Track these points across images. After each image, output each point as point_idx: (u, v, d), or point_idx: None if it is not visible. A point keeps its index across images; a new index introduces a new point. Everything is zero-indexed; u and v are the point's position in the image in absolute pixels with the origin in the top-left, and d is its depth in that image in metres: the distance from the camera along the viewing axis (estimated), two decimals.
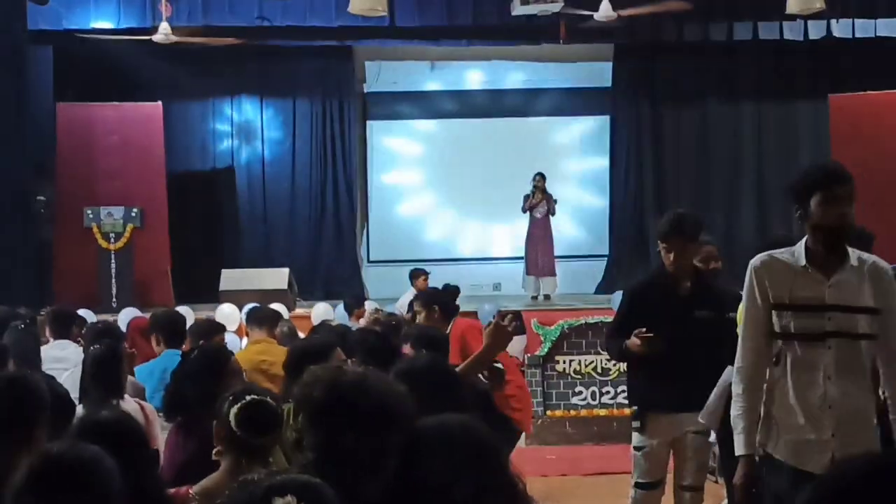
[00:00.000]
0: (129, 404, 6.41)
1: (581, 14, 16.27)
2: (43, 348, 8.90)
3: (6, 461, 4.03)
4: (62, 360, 8.29)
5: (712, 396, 6.88)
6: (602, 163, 20.71)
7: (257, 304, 12.92)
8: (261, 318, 9.90)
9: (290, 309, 15.60)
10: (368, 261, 20.67)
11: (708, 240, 7.75)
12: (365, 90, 20.82)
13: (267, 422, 4.53)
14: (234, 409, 4.55)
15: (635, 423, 7.28)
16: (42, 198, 17.46)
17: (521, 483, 3.50)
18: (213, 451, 4.64)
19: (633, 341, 7.00)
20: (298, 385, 3.68)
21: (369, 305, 14.43)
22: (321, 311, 15.28)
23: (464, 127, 20.90)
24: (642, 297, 7.39)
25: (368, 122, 21.01)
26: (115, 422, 4.02)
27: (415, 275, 16.53)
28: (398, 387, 3.63)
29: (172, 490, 4.19)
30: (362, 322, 12.42)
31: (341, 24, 17.33)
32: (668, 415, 7.21)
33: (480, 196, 20.47)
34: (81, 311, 11.80)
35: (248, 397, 4.61)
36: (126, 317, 13.71)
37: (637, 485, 7.30)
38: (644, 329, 6.96)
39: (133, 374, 7.73)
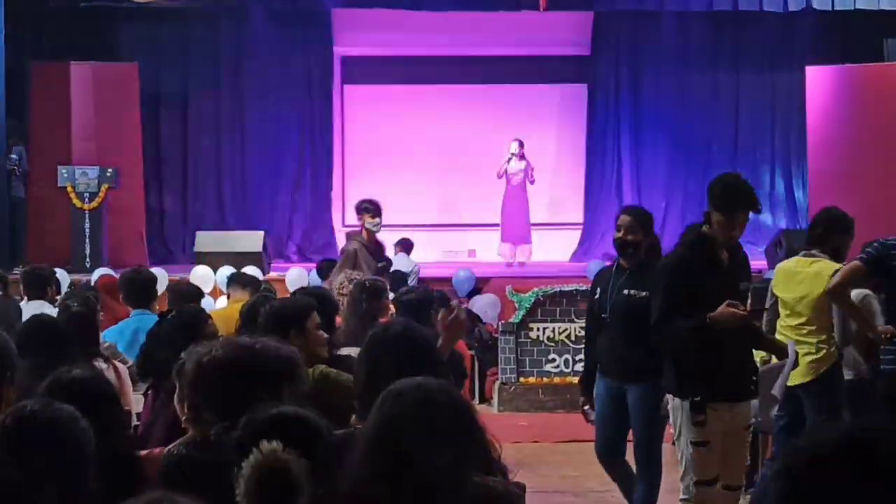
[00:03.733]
0: (98, 364, 6.38)
1: None
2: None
3: None
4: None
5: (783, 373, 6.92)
6: (580, 131, 20.70)
7: (232, 269, 12.90)
8: (244, 282, 10.05)
9: (264, 272, 15.58)
10: (343, 225, 20.62)
11: None
12: (342, 54, 20.72)
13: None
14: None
15: (698, 418, 6.57)
16: (14, 156, 17.34)
17: (496, 449, 3.51)
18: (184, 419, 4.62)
19: (728, 311, 6.39)
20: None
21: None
22: (295, 276, 15.27)
23: (442, 93, 20.83)
24: (688, 271, 6.68)
25: (345, 87, 20.91)
26: (87, 381, 4.00)
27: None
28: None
29: (144, 452, 4.18)
30: (335, 286, 12.40)
31: None
32: (729, 406, 6.69)
33: (456, 163, 20.42)
34: (56, 272, 11.74)
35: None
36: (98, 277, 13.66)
37: (699, 483, 6.72)
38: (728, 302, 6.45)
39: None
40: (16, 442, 3.04)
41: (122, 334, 8.36)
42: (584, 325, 8.89)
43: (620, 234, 7.54)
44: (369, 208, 13.16)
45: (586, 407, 7.88)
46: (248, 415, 3.39)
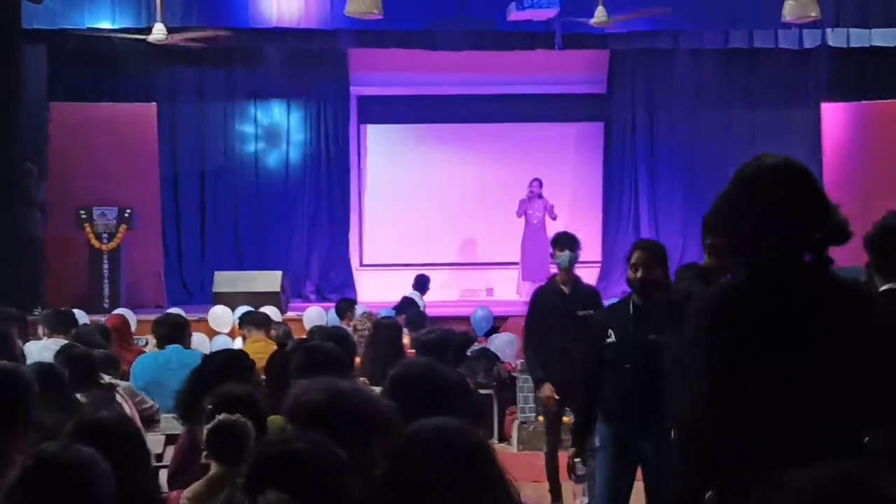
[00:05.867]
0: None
1: (576, 20, 16.28)
2: (36, 345, 8.92)
3: (4, 459, 4.03)
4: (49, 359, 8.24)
5: None
6: (596, 169, 20.72)
7: (251, 308, 12.91)
8: (258, 321, 10.09)
9: (282, 312, 15.59)
10: (361, 264, 20.63)
11: None
12: (359, 94, 20.78)
13: (234, 448, 4.47)
14: (206, 428, 4.52)
15: None
16: (29, 164, 17.33)
17: (515, 488, 3.49)
18: (203, 456, 4.63)
19: None
20: (291, 395, 3.67)
21: (359, 309, 14.41)
22: (313, 315, 15.26)
23: (458, 132, 20.87)
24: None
25: (362, 126, 20.97)
26: (111, 422, 4.01)
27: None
28: (386, 400, 3.64)
29: (165, 493, 4.18)
30: (352, 326, 12.44)
31: (336, 28, 17.31)
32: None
33: (474, 201, 20.45)
34: (74, 312, 11.78)
35: (219, 417, 4.55)
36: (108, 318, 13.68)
37: None
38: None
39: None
40: (36, 484, 3.04)
41: (156, 361, 8.52)
42: None
43: (638, 273, 6.87)
44: None
45: (577, 460, 7.10)
46: (257, 452, 3.38)
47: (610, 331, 6.95)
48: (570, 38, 17.12)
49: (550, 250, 9.82)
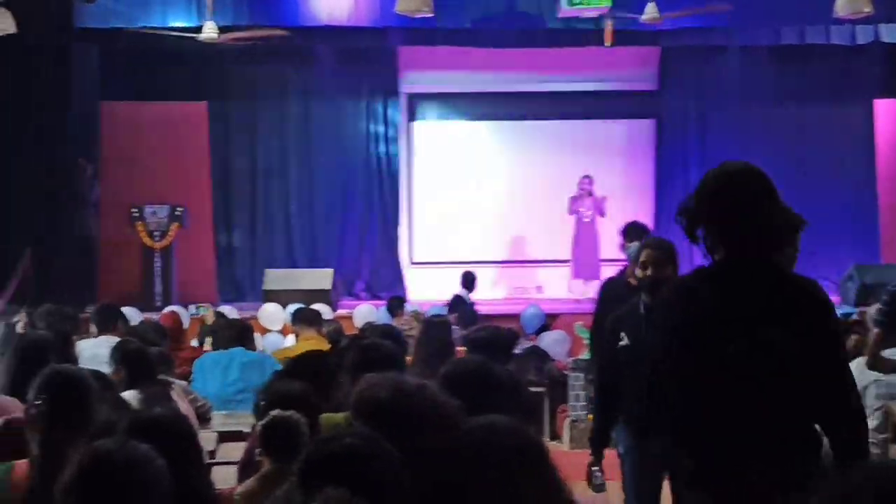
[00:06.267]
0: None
1: (627, 17, 16.23)
2: (86, 343, 8.97)
3: (58, 457, 4.08)
4: (100, 357, 8.29)
5: None
6: (647, 166, 20.65)
7: (302, 305, 12.93)
8: (310, 318, 10.11)
9: (333, 309, 15.62)
10: (412, 262, 20.64)
11: None
12: (409, 91, 20.79)
13: (287, 445, 4.48)
14: (259, 425, 4.55)
15: None
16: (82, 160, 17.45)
17: (567, 487, 3.48)
18: (256, 452, 4.65)
19: None
20: (356, 390, 3.68)
21: (409, 308, 14.43)
22: (364, 313, 15.29)
23: (508, 129, 20.85)
24: None
25: (412, 124, 20.97)
26: (166, 420, 4.04)
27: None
28: (450, 398, 3.63)
29: (219, 490, 4.20)
30: (403, 324, 12.45)
31: (386, 25, 17.33)
32: None
33: (524, 198, 20.41)
34: (127, 310, 11.85)
35: (272, 413, 4.57)
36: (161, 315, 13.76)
37: None
38: None
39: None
40: (92, 481, 3.06)
41: (219, 362, 8.75)
42: None
43: (650, 272, 6.59)
44: None
45: (595, 468, 6.74)
46: (311, 449, 3.40)
47: (622, 333, 6.70)
48: (620, 34, 17.05)
49: (620, 241, 9.68)
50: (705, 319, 4.14)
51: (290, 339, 12.92)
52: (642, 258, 6.67)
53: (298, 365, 6.01)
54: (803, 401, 4.10)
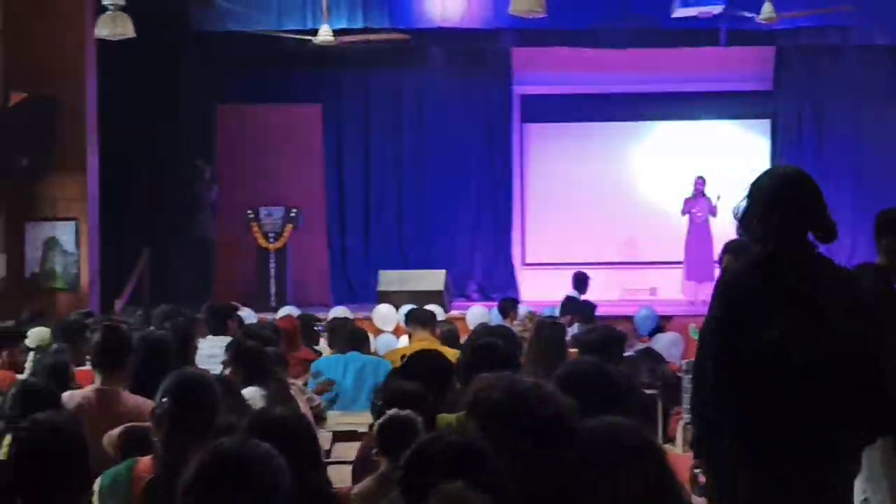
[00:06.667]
0: None
1: (742, 16, 16.08)
2: (203, 343, 9.09)
3: (180, 455, 4.15)
4: (216, 357, 8.41)
5: None
6: (762, 167, 20.39)
7: (415, 306, 12.98)
8: (424, 319, 10.13)
9: (445, 311, 15.65)
10: (524, 263, 20.63)
11: None
12: (521, 92, 20.78)
13: (403, 444, 4.50)
14: (376, 424, 4.58)
15: None
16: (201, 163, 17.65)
17: (685, 489, 3.47)
18: (373, 452, 4.68)
19: None
20: (471, 390, 3.69)
21: (522, 309, 14.39)
22: (477, 314, 15.29)
23: (621, 130, 20.76)
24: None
25: (525, 125, 20.96)
26: (287, 419, 4.09)
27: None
28: (566, 397, 3.63)
29: (336, 489, 4.24)
30: (516, 325, 12.42)
31: (498, 27, 17.35)
32: None
33: (637, 200, 20.32)
34: (242, 311, 11.99)
35: (388, 413, 4.60)
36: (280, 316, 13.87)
37: None
38: None
39: None
40: (214, 478, 3.10)
41: (337, 363, 8.97)
42: None
43: None
44: None
45: (698, 471, 6.20)
46: (415, 446, 3.42)
47: None
48: (735, 34, 16.90)
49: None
50: (754, 304, 4.48)
51: (404, 340, 12.97)
52: (723, 264, 7.03)
53: (413, 364, 6.04)
54: (846, 382, 4.38)
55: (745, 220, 4.73)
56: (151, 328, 8.85)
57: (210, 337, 9.39)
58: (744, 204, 4.78)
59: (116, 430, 5.16)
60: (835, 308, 4.44)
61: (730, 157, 20.31)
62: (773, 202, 4.66)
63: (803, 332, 4.39)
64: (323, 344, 11.15)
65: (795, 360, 4.36)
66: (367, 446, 5.49)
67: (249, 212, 17.58)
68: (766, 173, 4.88)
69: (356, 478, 5.16)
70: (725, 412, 4.53)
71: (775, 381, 4.40)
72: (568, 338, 10.03)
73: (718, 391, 4.54)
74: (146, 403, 5.57)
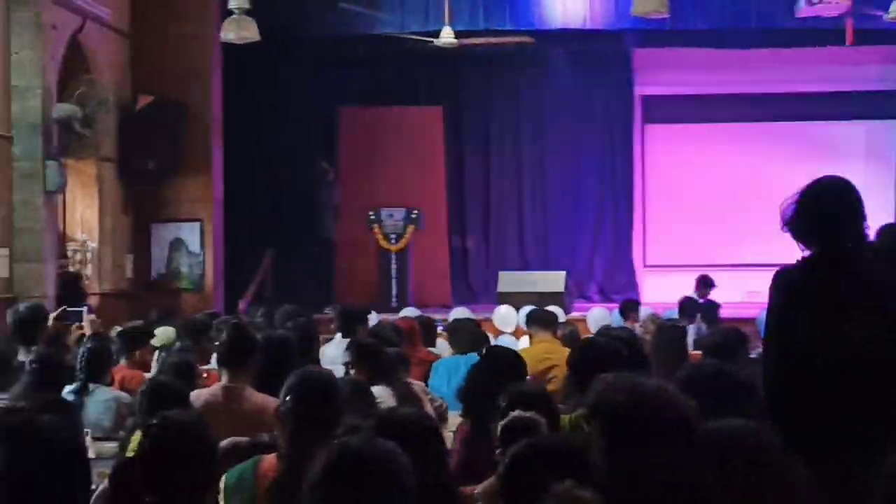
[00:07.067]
0: None
1: (870, 14, 15.84)
2: (329, 345, 9.18)
3: (304, 453, 4.21)
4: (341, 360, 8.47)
5: None
6: (888, 168, 20.11)
7: (536, 307, 12.96)
8: (545, 320, 10.09)
9: (566, 312, 15.61)
10: (645, 265, 20.52)
11: None
12: (643, 93, 20.68)
13: None
14: (500, 425, 4.59)
15: None
16: (324, 164, 17.78)
17: (809, 492, 3.44)
18: (496, 452, 4.70)
19: None
20: (593, 391, 3.69)
21: (644, 311, 14.31)
22: (597, 316, 15.23)
23: (744, 131, 20.55)
24: None
25: (646, 126, 20.85)
26: (411, 418, 4.13)
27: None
28: (687, 399, 3.61)
29: (461, 489, 4.27)
30: (637, 327, 12.36)
31: (620, 28, 17.28)
32: None
33: (759, 201, 20.05)
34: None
35: (512, 414, 4.61)
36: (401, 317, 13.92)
37: None
38: None
39: None
40: (339, 475, 3.14)
41: (457, 364, 8.93)
42: None
43: None
44: None
45: None
46: (514, 449, 3.43)
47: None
48: (862, 33, 16.65)
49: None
50: (802, 303, 4.81)
51: (524, 342, 12.96)
52: None
53: (491, 358, 6.15)
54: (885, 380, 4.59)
55: (791, 224, 5.11)
56: (275, 329, 8.94)
57: (338, 338, 9.47)
58: (791, 209, 5.14)
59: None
60: (870, 307, 4.70)
61: (854, 157, 20.02)
62: (812, 209, 5.04)
63: (836, 332, 4.66)
64: (441, 345, 11.20)
65: (825, 361, 4.62)
66: (464, 441, 5.53)
67: (371, 213, 17.69)
68: (813, 182, 5.22)
69: (459, 473, 5.20)
70: (778, 409, 4.68)
71: (812, 378, 4.64)
72: (689, 339, 9.97)
73: (771, 387, 4.77)
74: (270, 401, 5.65)
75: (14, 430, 3.44)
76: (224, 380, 6.12)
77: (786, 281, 5.03)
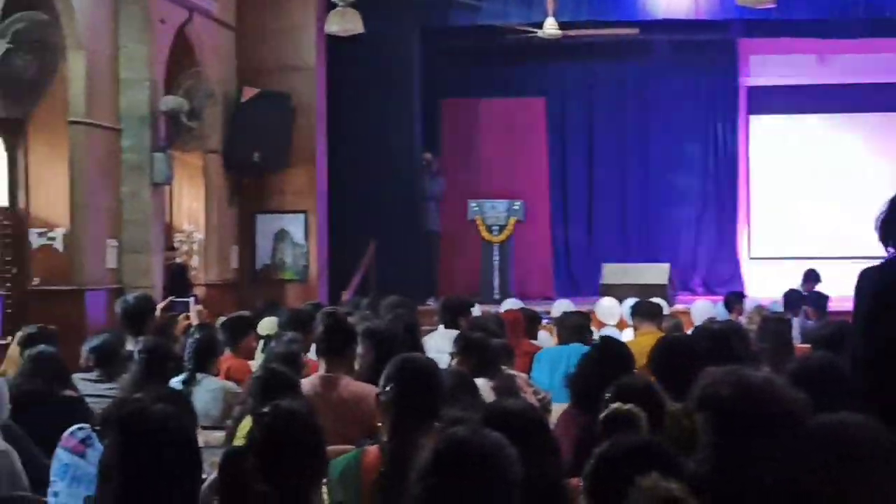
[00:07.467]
0: None
1: None
2: (432, 336, 9.20)
3: (407, 442, 4.24)
4: (445, 350, 8.49)
5: None
6: None
7: (640, 299, 12.90)
8: (650, 312, 10.05)
9: (669, 304, 15.51)
10: (750, 257, 20.34)
11: None
12: (749, 84, 20.48)
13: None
14: (601, 417, 4.58)
15: None
16: (428, 156, 17.79)
17: None
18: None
19: None
20: (698, 384, 3.67)
21: (749, 303, 14.18)
22: (701, 308, 15.12)
23: (850, 122, 20.29)
24: None
25: (751, 117, 20.65)
26: (518, 411, 4.13)
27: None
28: (797, 392, 3.58)
29: (567, 481, 4.26)
30: (743, 320, 12.25)
31: (726, 18, 17.15)
32: None
33: (866, 193, 19.79)
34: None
35: (612, 406, 4.59)
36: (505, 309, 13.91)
37: None
38: None
39: None
40: (448, 466, 3.15)
41: (558, 355, 9.02)
42: None
43: None
44: None
45: None
46: (600, 449, 3.42)
47: None
48: None
49: None
50: (876, 301, 5.10)
51: (627, 334, 12.91)
52: None
53: (605, 350, 6.14)
54: None
55: (879, 225, 5.16)
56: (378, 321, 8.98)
57: (441, 329, 9.49)
58: (882, 212, 5.17)
59: None
60: None
61: None
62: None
63: None
64: (543, 337, 11.18)
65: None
66: (572, 432, 5.52)
67: (474, 205, 17.70)
68: None
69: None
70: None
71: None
72: (794, 332, 9.86)
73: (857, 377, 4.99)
74: (367, 388, 5.70)
75: (127, 420, 3.50)
76: (322, 369, 6.16)
77: (869, 281, 5.22)
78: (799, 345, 9.64)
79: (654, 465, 3.16)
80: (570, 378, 6.12)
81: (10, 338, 9.73)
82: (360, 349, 6.59)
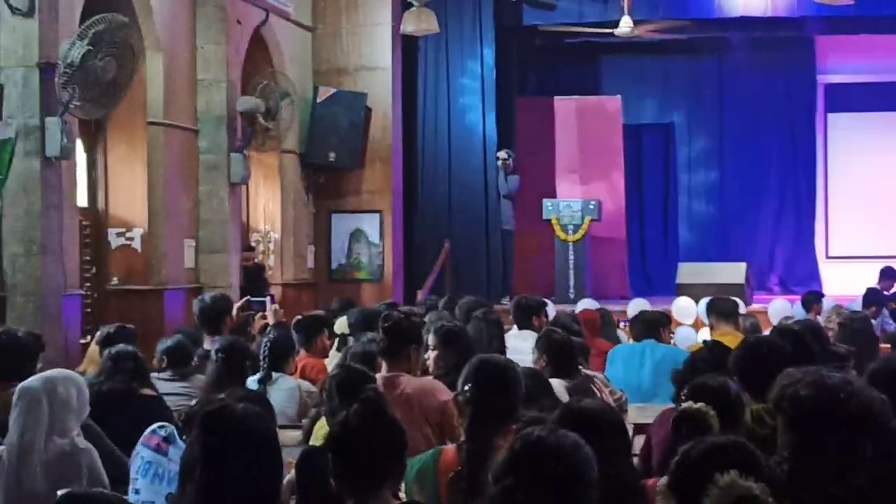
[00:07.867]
0: None
1: None
2: (508, 336, 9.19)
3: (484, 442, 4.26)
4: (521, 351, 8.48)
5: None
6: None
7: (716, 297, 12.82)
8: (726, 312, 9.97)
9: (746, 304, 15.41)
10: (827, 256, 20.16)
11: None
12: (826, 82, 20.31)
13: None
14: (675, 413, 4.57)
15: None
16: (503, 155, 17.76)
17: None
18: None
19: None
20: (777, 385, 3.65)
21: (827, 303, 14.05)
22: (778, 308, 15.00)
23: None
24: None
25: (829, 115, 20.47)
26: (594, 411, 4.13)
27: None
28: (877, 393, 3.55)
29: (643, 481, 4.26)
30: (820, 320, 12.15)
31: (803, 15, 17.01)
32: None
33: None
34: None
35: (685, 405, 4.59)
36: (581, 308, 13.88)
37: None
38: None
39: None
40: (525, 465, 3.16)
41: (632, 352, 9.05)
42: None
43: None
44: None
45: None
46: (684, 447, 3.42)
47: None
48: None
49: None
50: None
51: (704, 333, 12.84)
52: None
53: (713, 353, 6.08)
54: None
55: None
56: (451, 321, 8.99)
57: (515, 329, 9.49)
58: None
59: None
60: None
61: None
62: None
63: None
64: (619, 337, 11.16)
65: None
66: (664, 435, 5.50)
67: (549, 204, 17.67)
68: None
69: (658, 465, 5.18)
70: None
71: None
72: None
73: None
74: (426, 380, 5.84)
75: (210, 419, 3.54)
76: (384, 370, 6.20)
77: None
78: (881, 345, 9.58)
79: (737, 463, 3.15)
80: (676, 372, 6.10)
81: (89, 337, 9.87)
82: (434, 351, 6.61)
